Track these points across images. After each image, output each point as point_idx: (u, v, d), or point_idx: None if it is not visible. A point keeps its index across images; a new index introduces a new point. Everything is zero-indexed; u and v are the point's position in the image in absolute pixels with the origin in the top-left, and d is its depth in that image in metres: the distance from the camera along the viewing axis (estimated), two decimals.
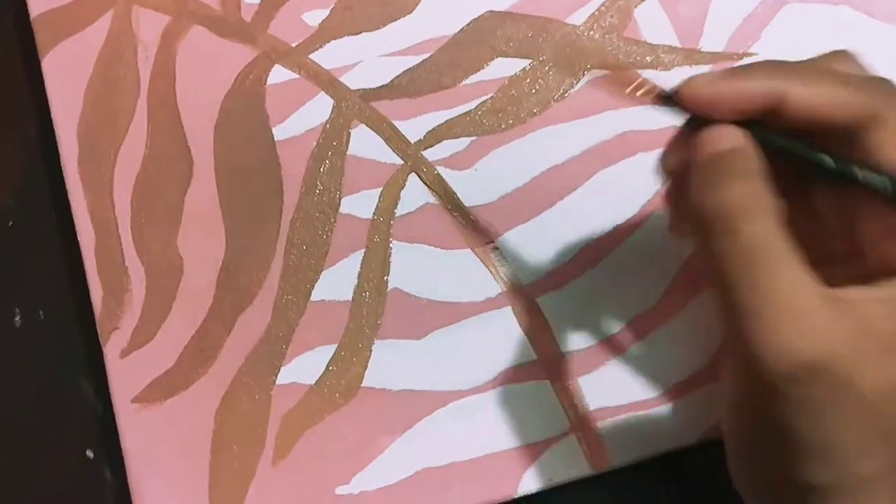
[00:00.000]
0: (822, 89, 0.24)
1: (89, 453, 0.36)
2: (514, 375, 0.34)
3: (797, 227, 0.24)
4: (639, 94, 0.27)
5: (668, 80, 0.35)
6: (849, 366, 0.22)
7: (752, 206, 0.23)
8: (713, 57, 0.37)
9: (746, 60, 0.36)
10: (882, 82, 0.25)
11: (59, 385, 0.37)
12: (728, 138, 0.25)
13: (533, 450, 0.34)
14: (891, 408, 0.23)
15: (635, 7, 0.37)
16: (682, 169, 0.26)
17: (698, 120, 0.26)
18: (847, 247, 0.26)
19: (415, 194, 0.36)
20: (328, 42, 0.37)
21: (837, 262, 0.25)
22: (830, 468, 0.23)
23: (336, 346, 0.35)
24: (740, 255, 0.23)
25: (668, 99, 0.26)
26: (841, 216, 0.26)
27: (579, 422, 0.34)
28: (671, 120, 0.35)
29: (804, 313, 0.22)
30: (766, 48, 0.37)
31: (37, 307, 0.38)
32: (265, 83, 0.37)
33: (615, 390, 0.34)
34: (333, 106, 0.37)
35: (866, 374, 0.22)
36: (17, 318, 0.38)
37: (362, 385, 0.34)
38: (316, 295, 0.35)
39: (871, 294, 0.23)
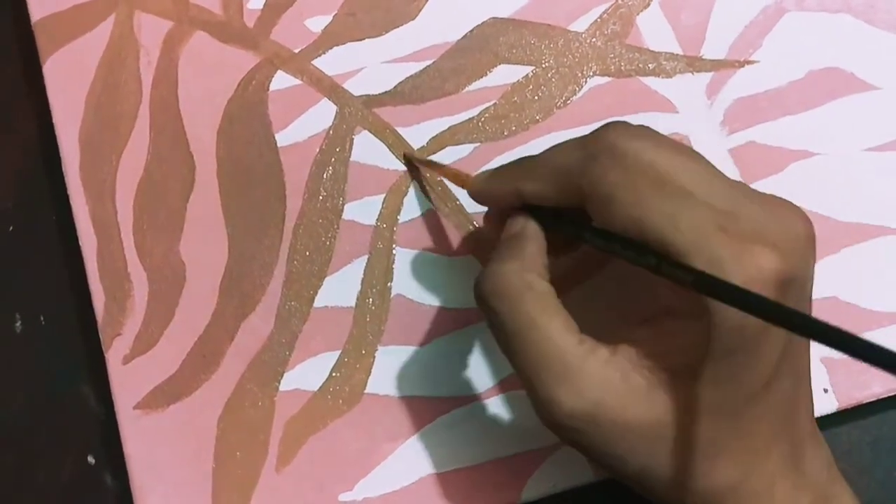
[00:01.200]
0: (542, 183, 0.27)
1: (91, 459, 0.36)
2: (518, 382, 0.34)
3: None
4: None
5: (667, 88, 0.36)
6: (618, 409, 0.25)
7: (508, 287, 0.26)
8: (715, 64, 0.37)
9: (748, 68, 0.37)
10: (588, 150, 0.26)
11: (60, 391, 0.37)
12: (513, 225, 0.28)
13: (536, 456, 0.34)
14: (690, 431, 0.25)
15: (637, 14, 0.37)
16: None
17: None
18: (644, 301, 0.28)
19: (418, 201, 0.36)
20: (331, 48, 0.37)
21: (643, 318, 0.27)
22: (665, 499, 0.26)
23: (339, 352, 0.35)
24: (501, 330, 0.26)
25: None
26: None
27: None
28: (673, 128, 0.35)
29: (564, 370, 0.25)
30: (768, 55, 0.37)
31: (38, 313, 0.38)
32: (268, 89, 0.37)
33: None
34: (336, 112, 0.37)
35: (636, 413, 0.25)
36: (17, 324, 0.38)
37: (366, 391, 0.34)
38: (319, 301, 0.35)
39: (632, 336, 0.26)
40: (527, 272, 0.26)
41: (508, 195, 0.28)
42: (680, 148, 0.25)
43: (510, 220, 0.29)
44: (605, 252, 0.26)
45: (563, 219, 0.28)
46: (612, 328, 0.27)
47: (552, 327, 0.25)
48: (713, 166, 0.25)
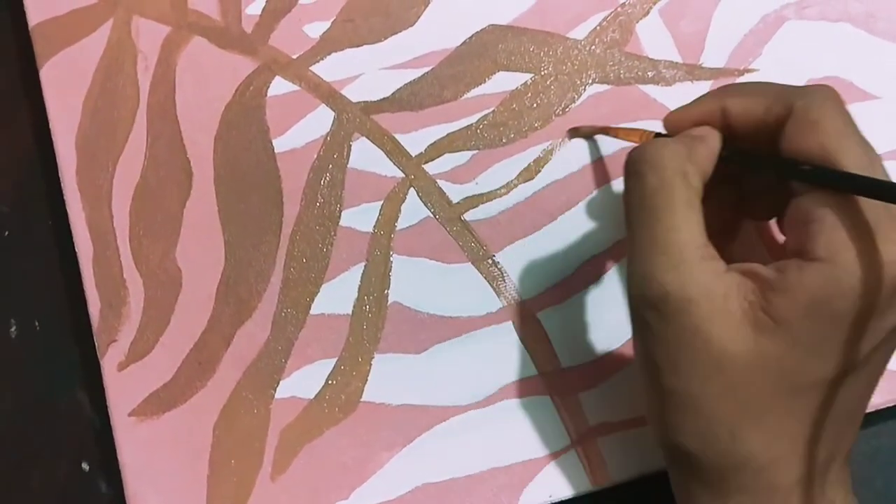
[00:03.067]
0: (750, 97, 0.28)
1: (85, 465, 0.36)
2: (515, 390, 0.34)
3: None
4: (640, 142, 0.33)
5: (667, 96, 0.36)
6: (705, 316, 0.25)
7: (667, 162, 0.27)
8: (714, 72, 0.37)
9: (748, 76, 0.37)
10: (805, 85, 0.28)
11: (54, 397, 0.37)
12: (697, 129, 0.29)
13: (533, 465, 0.34)
14: (751, 381, 0.25)
15: (637, 22, 0.37)
16: None
17: None
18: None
19: (415, 208, 0.36)
20: (329, 54, 0.37)
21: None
22: (695, 426, 0.26)
23: (336, 360, 0.35)
24: (640, 195, 0.27)
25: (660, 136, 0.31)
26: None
27: (580, 437, 0.34)
28: None
29: (678, 255, 0.25)
30: (767, 64, 0.37)
31: (33, 318, 0.37)
32: (265, 95, 0.37)
33: (616, 406, 0.34)
34: (334, 118, 0.37)
35: (720, 332, 0.25)
36: (12, 329, 0.37)
37: (362, 399, 0.34)
38: (316, 308, 0.35)
39: (751, 268, 0.26)
40: (690, 163, 0.27)
41: (711, 115, 0.29)
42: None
43: (694, 127, 0.29)
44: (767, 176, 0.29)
45: (747, 150, 0.29)
46: (736, 251, 0.28)
47: (687, 220, 0.26)
48: None
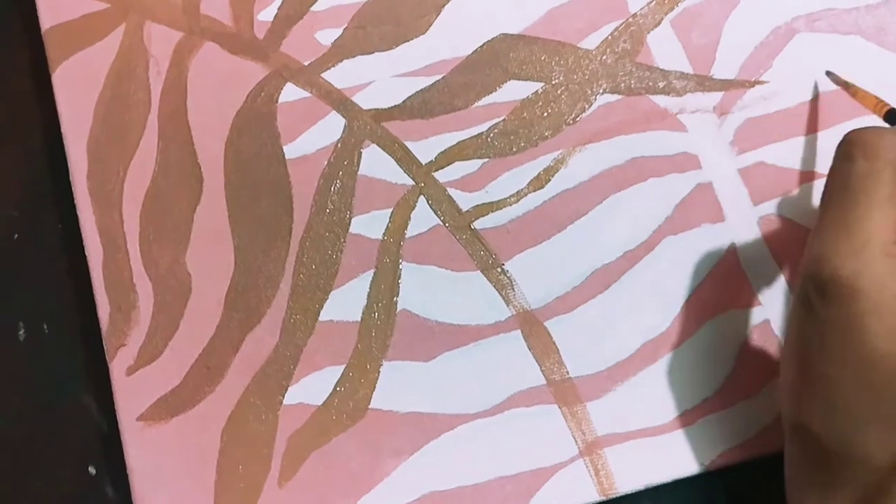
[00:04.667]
0: None
1: (91, 469, 0.36)
2: (523, 399, 0.34)
3: None
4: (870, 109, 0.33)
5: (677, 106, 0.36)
6: (867, 310, 0.25)
7: (880, 152, 0.26)
8: (724, 84, 0.37)
9: (758, 88, 0.37)
10: None
11: (61, 400, 0.37)
12: None
13: (540, 475, 0.34)
14: (887, 381, 0.25)
15: (648, 33, 0.37)
16: None
17: None
18: None
19: (425, 215, 0.36)
20: (341, 61, 0.37)
21: None
22: (826, 412, 0.26)
23: (344, 366, 0.35)
24: (844, 178, 0.27)
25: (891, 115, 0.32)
26: None
27: (587, 447, 0.34)
28: (682, 147, 0.35)
29: (865, 244, 0.25)
30: (778, 76, 0.37)
31: (41, 321, 0.37)
32: (277, 101, 0.37)
33: (623, 416, 0.34)
34: (345, 125, 0.37)
35: (879, 329, 0.24)
36: (21, 332, 0.37)
37: (370, 406, 0.34)
38: (324, 315, 0.35)
39: None
40: None
41: None
42: None
43: None
44: None
45: None
46: None
47: (883, 212, 0.26)
48: None
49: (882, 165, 0.26)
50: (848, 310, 0.25)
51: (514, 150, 0.36)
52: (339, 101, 0.37)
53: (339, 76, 0.37)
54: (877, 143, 0.27)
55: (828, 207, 0.27)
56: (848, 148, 0.27)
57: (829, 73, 0.36)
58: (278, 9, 0.38)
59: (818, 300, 0.26)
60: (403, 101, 0.37)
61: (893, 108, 0.32)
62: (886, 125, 0.32)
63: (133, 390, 0.35)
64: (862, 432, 0.25)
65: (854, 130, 0.28)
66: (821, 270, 0.26)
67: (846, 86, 0.35)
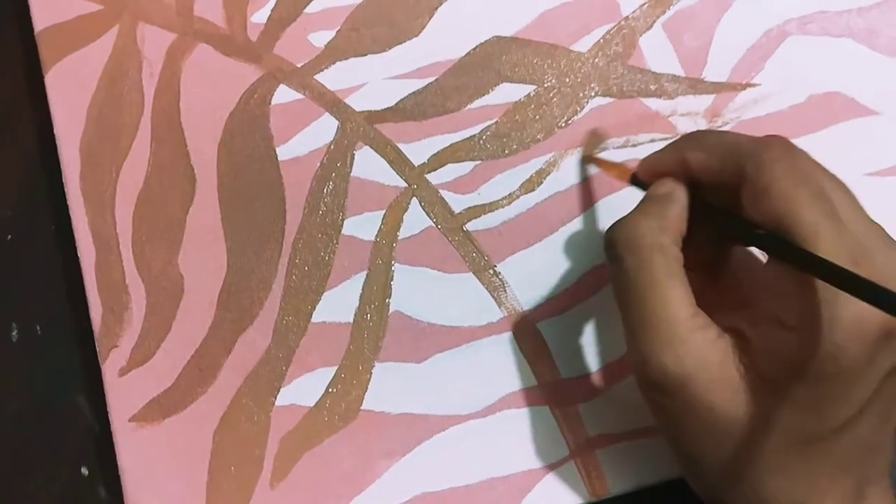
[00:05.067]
0: (706, 152, 0.28)
1: (84, 470, 0.36)
2: (514, 401, 0.34)
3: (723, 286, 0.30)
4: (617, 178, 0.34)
5: (669, 109, 0.36)
6: (705, 388, 0.26)
7: (642, 241, 0.27)
8: (716, 87, 0.37)
9: (750, 91, 0.37)
10: (756, 141, 0.27)
11: (55, 401, 0.37)
12: (662, 186, 0.30)
13: (532, 476, 0.34)
14: (757, 441, 0.25)
15: (640, 35, 0.37)
16: None
17: None
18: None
19: (418, 217, 0.36)
20: (334, 63, 0.37)
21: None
22: (720, 483, 0.27)
23: (336, 368, 0.35)
24: (623, 278, 0.27)
25: (635, 181, 0.32)
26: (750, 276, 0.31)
27: (579, 448, 0.34)
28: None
29: (671, 334, 0.26)
30: (769, 79, 0.37)
31: (34, 322, 0.38)
32: (270, 103, 0.37)
33: (615, 417, 0.34)
34: (338, 127, 0.37)
35: (721, 400, 0.26)
36: (13, 333, 0.37)
37: (362, 408, 0.34)
38: (317, 316, 0.35)
39: (743, 331, 0.26)
40: (664, 233, 0.28)
41: (674, 165, 0.29)
42: (835, 176, 0.27)
43: (660, 181, 0.30)
44: (729, 234, 0.29)
45: (709, 205, 0.29)
46: (724, 314, 0.28)
47: (672, 293, 0.26)
48: (859, 203, 0.27)
49: (648, 253, 0.27)
50: (688, 395, 0.26)
51: (507, 152, 0.37)
52: (332, 103, 0.37)
53: (332, 78, 0.37)
54: (634, 234, 0.28)
55: (624, 310, 0.27)
56: (612, 251, 0.28)
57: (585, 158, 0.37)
58: (271, 11, 0.38)
59: (659, 397, 0.27)
60: (396, 104, 0.37)
61: (635, 173, 0.32)
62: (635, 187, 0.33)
63: (125, 391, 0.35)
64: (760, 488, 0.26)
65: (610, 229, 0.29)
66: (649, 371, 0.26)
67: (587, 159, 0.36)
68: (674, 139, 0.31)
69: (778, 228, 0.25)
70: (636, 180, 0.32)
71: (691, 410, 0.26)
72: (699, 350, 0.26)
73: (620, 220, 0.29)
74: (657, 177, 0.30)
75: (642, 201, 0.30)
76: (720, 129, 0.36)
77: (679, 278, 0.27)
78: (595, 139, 0.36)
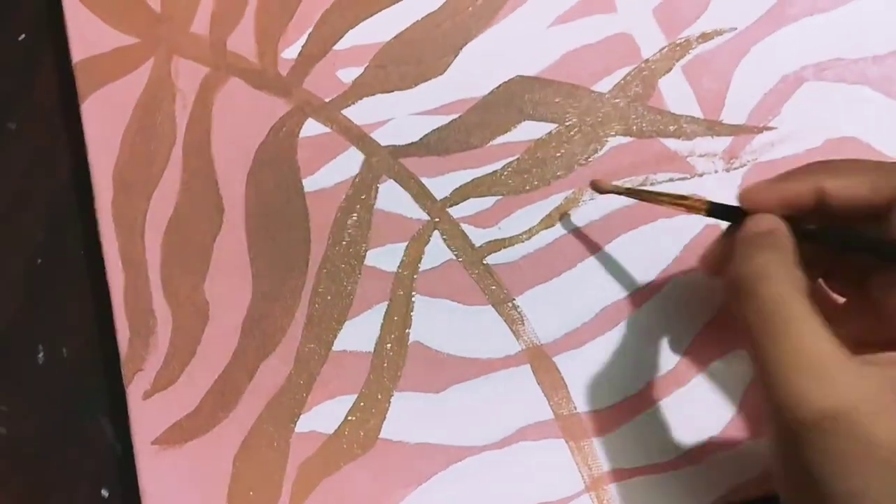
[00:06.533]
0: (854, 179, 0.27)
1: (104, 492, 0.37)
2: (531, 433, 0.35)
3: (855, 316, 0.29)
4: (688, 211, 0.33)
5: (687, 150, 0.37)
6: (867, 420, 0.24)
7: (772, 273, 0.26)
8: (734, 129, 0.38)
9: (767, 134, 0.37)
10: None
11: (78, 423, 0.37)
12: (764, 221, 0.29)
13: None
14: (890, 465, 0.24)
15: (660, 77, 0.38)
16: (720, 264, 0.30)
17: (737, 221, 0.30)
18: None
19: (439, 250, 0.37)
20: (361, 98, 0.39)
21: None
22: None
23: (356, 396, 0.35)
24: (759, 315, 0.26)
25: (720, 209, 0.31)
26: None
27: (594, 482, 0.34)
28: (692, 188, 0.36)
29: (819, 368, 0.25)
30: (786, 123, 0.38)
31: (60, 345, 0.38)
32: (298, 135, 0.38)
33: (630, 452, 0.34)
34: (363, 161, 0.38)
35: (885, 432, 0.24)
36: (40, 355, 0.38)
37: (380, 436, 0.35)
38: (338, 345, 0.36)
39: (890, 358, 0.26)
40: (792, 265, 0.27)
41: (803, 195, 0.28)
42: None
43: (753, 219, 0.29)
44: (873, 259, 0.28)
45: (830, 229, 0.28)
46: (863, 344, 0.27)
47: (814, 328, 0.25)
48: None
49: (783, 287, 0.26)
50: (851, 431, 0.24)
51: (528, 188, 0.37)
52: (358, 137, 0.38)
53: (358, 113, 0.38)
54: (763, 269, 0.26)
55: (763, 349, 0.26)
56: (743, 287, 0.27)
57: (598, 184, 0.35)
58: (302, 47, 0.39)
59: (814, 437, 0.25)
60: (420, 139, 0.38)
61: (716, 202, 0.31)
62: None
63: (149, 414, 0.35)
64: None
65: (731, 270, 0.27)
66: (804, 412, 0.25)
67: (634, 193, 0.35)
68: (793, 169, 0.29)
69: None
70: (721, 211, 0.31)
71: (851, 446, 0.24)
72: (854, 383, 0.24)
73: (744, 256, 0.27)
74: (770, 206, 0.29)
75: (752, 237, 0.28)
76: (736, 170, 0.37)
77: (816, 309, 0.26)
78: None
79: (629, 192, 0.35)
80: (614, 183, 0.36)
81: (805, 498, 0.26)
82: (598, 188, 0.35)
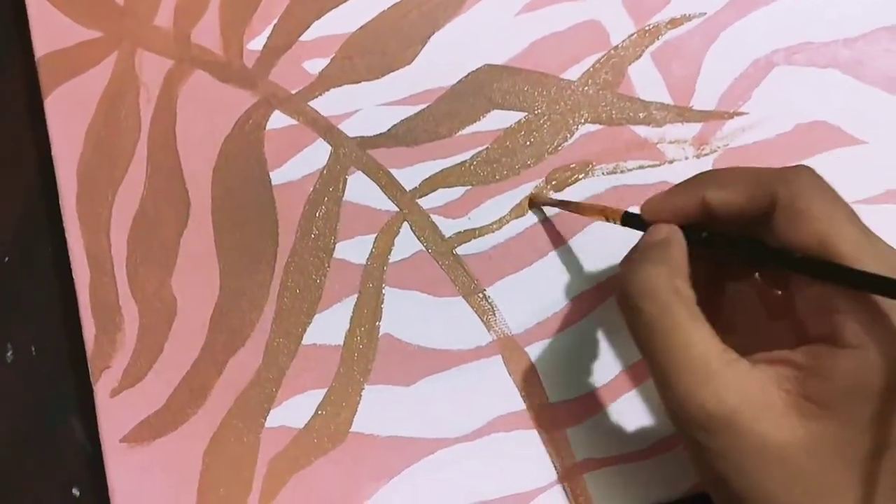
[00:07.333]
0: (732, 189, 0.28)
1: (75, 491, 0.36)
2: (503, 424, 0.35)
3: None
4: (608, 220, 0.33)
5: (657, 137, 0.36)
6: (751, 419, 0.25)
7: (656, 287, 0.27)
8: (704, 115, 0.37)
9: (737, 119, 0.37)
10: (784, 169, 0.28)
11: (48, 422, 0.37)
12: (660, 231, 0.30)
13: (520, 499, 0.34)
14: (810, 465, 0.25)
15: (629, 64, 0.38)
16: None
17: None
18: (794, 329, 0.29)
19: (409, 241, 0.36)
20: (328, 90, 0.38)
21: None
22: None
23: (326, 390, 0.35)
24: (646, 327, 0.27)
25: (630, 218, 0.32)
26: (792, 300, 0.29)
27: (567, 472, 0.34)
28: (662, 176, 0.36)
29: (704, 371, 0.26)
30: (757, 108, 0.37)
31: (29, 343, 0.38)
32: (264, 128, 0.38)
33: (603, 441, 0.34)
34: (331, 152, 0.37)
35: (770, 429, 0.25)
36: (9, 354, 0.38)
37: (351, 430, 0.35)
38: (307, 339, 0.35)
39: (780, 356, 0.26)
40: (675, 277, 0.28)
41: (690, 206, 0.29)
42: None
43: (652, 228, 0.30)
44: (761, 266, 0.30)
45: (721, 236, 0.29)
46: (751, 344, 0.27)
47: (697, 333, 0.26)
48: None
49: (666, 298, 0.27)
50: (736, 430, 0.25)
51: (497, 177, 0.37)
52: (326, 129, 0.38)
53: (325, 104, 0.38)
54: (648, 283, 0.27)
55: (652, 357, 0.27)
56: (628, 302, 0.28)
57: (533, 198, 0.37)
58: (267, 38, 0.39)
59: (704, 437, 0.26)
60: (389, 130, 0.38)
61: (627, 212, 0.32)
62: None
63: (117, 412, 0.35)
64: None
65: (621, 282, 0.28)
66: (690, 414, 0.26)
67: (565, 206, 0.36)
68: (685, 180, 0.31)
69: (820, 248, 0.25)
70: (629, 220, 0.32)
71: (739, 444, 0.25)
72: (738, 382, 0.25)
73: (629, 272, 0.28)
74: (665, 217, 0.30)
75: (644, 249, 0.30)
76: (707, 156, 0.37)
77: (700, 318, 0.27)
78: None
79: (560, 204, 0.36)
80: (550, 196, 0.37)
81: (721, 497, 0.27)
82: (535, 202, 0.37)
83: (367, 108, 0.38)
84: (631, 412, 0.34)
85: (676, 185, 0.31)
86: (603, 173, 0.37)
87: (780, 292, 0.31)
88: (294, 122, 0.38)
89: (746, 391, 0.25)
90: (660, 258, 0.28)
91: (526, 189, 0.37)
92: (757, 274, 0.32)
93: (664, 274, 0.28)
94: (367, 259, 0.36)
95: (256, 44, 0.39)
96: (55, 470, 0.37)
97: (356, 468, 0.34)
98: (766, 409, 0.25)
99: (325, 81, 0.38)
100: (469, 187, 0.37)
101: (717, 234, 0.29)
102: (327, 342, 0.35)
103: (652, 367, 0.27)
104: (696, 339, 0.26)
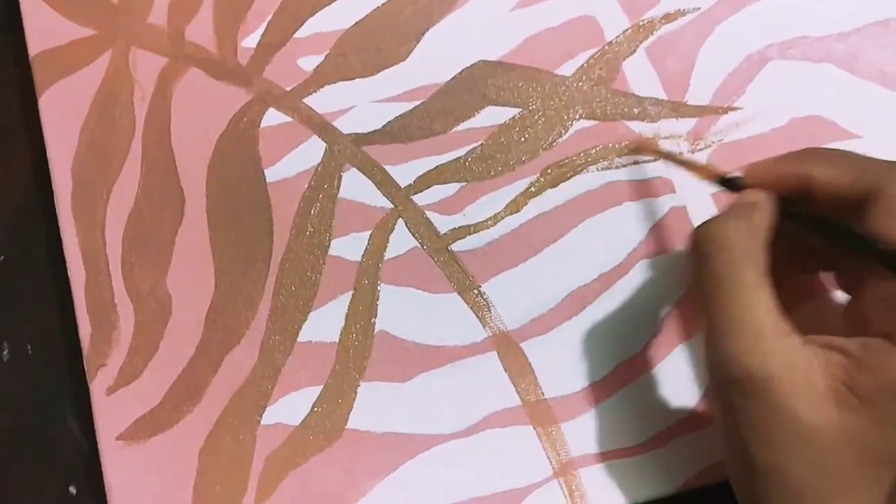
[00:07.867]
0: (838, 168, 0.29)
1: (72, 489, 0.36)
2: (498, 420, 0.35)
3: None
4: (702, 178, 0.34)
5: (651, 132, 0.36)
6: (787, 391, 0.25)
7: (734, 242, 0.27)
8: (698, 110, 0.37)
9: (731, 114, 0.37)
10: (893, 162, 0.28)
11: (44, 420, 0.37)
12: (752, 195, 0.30)
13: (515, 495, 0.34)
14: (835, 454, 0.25)
15: (624, 60, 0.38)
16: None
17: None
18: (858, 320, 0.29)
19: (404, 238, 0.36)
20: (322, 87, 0.38)
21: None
22: (785, 498, 0.26)
23: (322, 387, 0.35)
24: (712, 277, 0.27)
25: (726, 182, 0.32)
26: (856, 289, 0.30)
27: (562, 468, 0.34)
28: (657, 171, 0.36)
29: (756, 333, 0.26)
30: (751, 103, 0.37)
31: (25, 342, 0.38)
32: (259, 125, 0.38)
33: (598, 437, 0.34)
34: (326, 149, 0.37)
35: (805, 407, 0.25)
36: (5, 353, 0.38)
37: (347, 427, 0.35)
38: (303, 336, 0.35)
39: (834, 341, 0.26)
40: (753, 237, 0.28)
41: (794, 178, 0.29)
42: None
43: (747, 191, 0.30)
44: (846, 250, 0.29)
45: (818, 218, 0.29)
46: (811, 325, 0.27)
47: (760, 297, 0.26)
48: None
49: (739, 255, 0.27)
50: (772, 398, 0.25)
51: (492, 174, 0.37)
52: (320, 126, 0.38)
53: (320, 101, 0.38)
54: (726, 235, 0.28)
55: (709, 308, 0.27)
56: (701, 247, 0.28)
57: (635, 145, 0.37)
58: (262, 36, 0.39)
59: (740, 399, 0.26)
60: (383, 126, 0.38)
61: (726, 175, 0.32)
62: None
63: (113, 410, 0.35)
64: None
65: (699, 227, 0.29)
66: (732, 371, 0.26)
67: (670, 157, 0.36)
68: (791, 152, 0.31)
69: None
70: (726, 181, 0.32)
71: (770, 416, 0.25)
72: (785, 354, 0.26)
73: (711, 219, 0.29)
74: (765, 183, 0.30)
75: (732, 205, 0.30)
76: (702, 151, 0.37)
77: (766, 284, 0.27)
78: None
79: (665, 155, 0.36)
80: (659, 146, 0.37)
81: (742, 475, 0.27)
82: (640, 150, 0.37)
83: (362, 104, 0.38)
84: (626, 408, 0.35)
85: (780, 155, 0.31)
86: (598, 169, 0.37)
87: (849, 295, 0.31)
88: (288, 119, 0.38)
89: (791, 364, 0.25)
90: (744, 215, 0.28)
91: (520, 185, 0.37)
92: (834, 273, 0.32)
93: (744, 230, 0.28)
94: (363, 256, 0.36)
95: (251, 41, 0.39)
96: (52, 468, 0.37)
97: (352, 465, 0.34)
98: (807, 388, 0.25)
99: (320, 78, 0.38)
100: (464, 184, 0.37)
101: (809, 211, 0.29)
102: (323, 339, 0.35)
103: (707, 317, 0.27)
104: (755, 303, 0.26)
